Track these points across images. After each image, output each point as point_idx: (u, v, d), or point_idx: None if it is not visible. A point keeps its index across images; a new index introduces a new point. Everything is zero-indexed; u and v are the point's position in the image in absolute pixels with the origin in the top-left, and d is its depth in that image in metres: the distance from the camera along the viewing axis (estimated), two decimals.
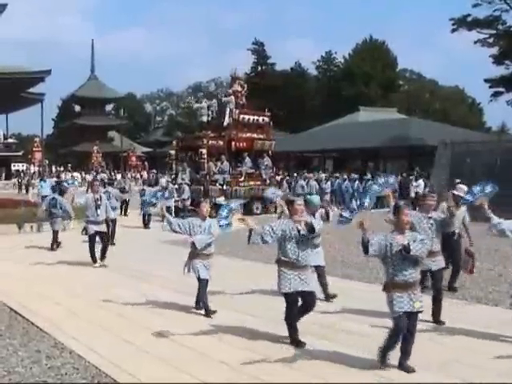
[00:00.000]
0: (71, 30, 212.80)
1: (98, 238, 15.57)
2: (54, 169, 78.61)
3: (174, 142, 31.61)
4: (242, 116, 30.89)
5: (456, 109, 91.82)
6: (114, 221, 19.10)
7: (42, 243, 18.99)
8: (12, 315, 10.06)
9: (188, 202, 27.65)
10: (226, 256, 15.67)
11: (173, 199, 26.71)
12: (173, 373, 7.23)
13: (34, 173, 66.56)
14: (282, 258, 8.21)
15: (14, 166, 72.61)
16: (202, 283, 9.91)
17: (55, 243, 18.49)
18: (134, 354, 7.94)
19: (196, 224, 9.95)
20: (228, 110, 30.32)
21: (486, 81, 51.62)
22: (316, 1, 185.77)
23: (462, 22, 46.68)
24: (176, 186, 28.09)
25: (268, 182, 30.90)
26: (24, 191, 47.76)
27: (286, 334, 8.33)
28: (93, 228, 15.33)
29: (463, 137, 37.81)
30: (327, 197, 32.50)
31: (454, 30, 47.94)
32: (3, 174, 70.63)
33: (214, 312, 9.89)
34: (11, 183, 58.55)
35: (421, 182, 31.30)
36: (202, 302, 10.04)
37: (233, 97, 30.72)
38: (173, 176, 33.46)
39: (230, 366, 7.46)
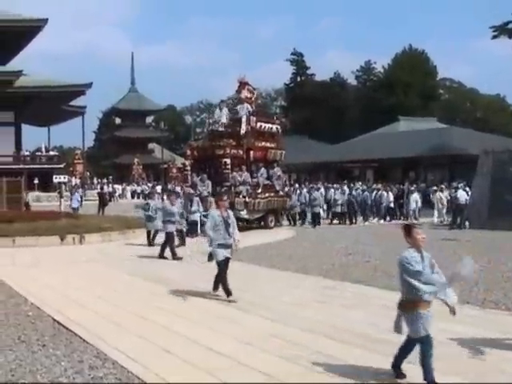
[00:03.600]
0: (110, 43, 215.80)
1: None
2: (95, 181, 79.39)
3: (188, 152, 29.92)
4: (258, 124, 29.47)
5: (497, 117, 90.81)
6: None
7: (84, 254, 19.21)
8: (55, 326, 10.14)
9: None
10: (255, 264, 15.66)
11: (198, 213, 25.22)
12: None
13: (76, 185, 67.26)
14: None
15: (56, 178, 73.37)
16: (429, 343, 6.87)
17: (182, 240, 21.38)
18: (177, 365, 7.89)
19: (418, 260, 6.89)
20: (245, 117, 28.75)
21: None
22: (353, 11, 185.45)
23: (503, 30, 46.26)
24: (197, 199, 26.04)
25: (281, 193, 29.74)
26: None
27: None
28: (223, 253, 12.14)
29: (505, 145, 37.26)
30: (338, 208, 32.25)
31: (494, 37, 47.54)
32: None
33: None
34: (54, 195, 59.13)
35: (461, 192, 30.68)
36: (425, 371, 6.77)
37: (247, 104, 29.25)
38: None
39: (264, 372, 7.42)
